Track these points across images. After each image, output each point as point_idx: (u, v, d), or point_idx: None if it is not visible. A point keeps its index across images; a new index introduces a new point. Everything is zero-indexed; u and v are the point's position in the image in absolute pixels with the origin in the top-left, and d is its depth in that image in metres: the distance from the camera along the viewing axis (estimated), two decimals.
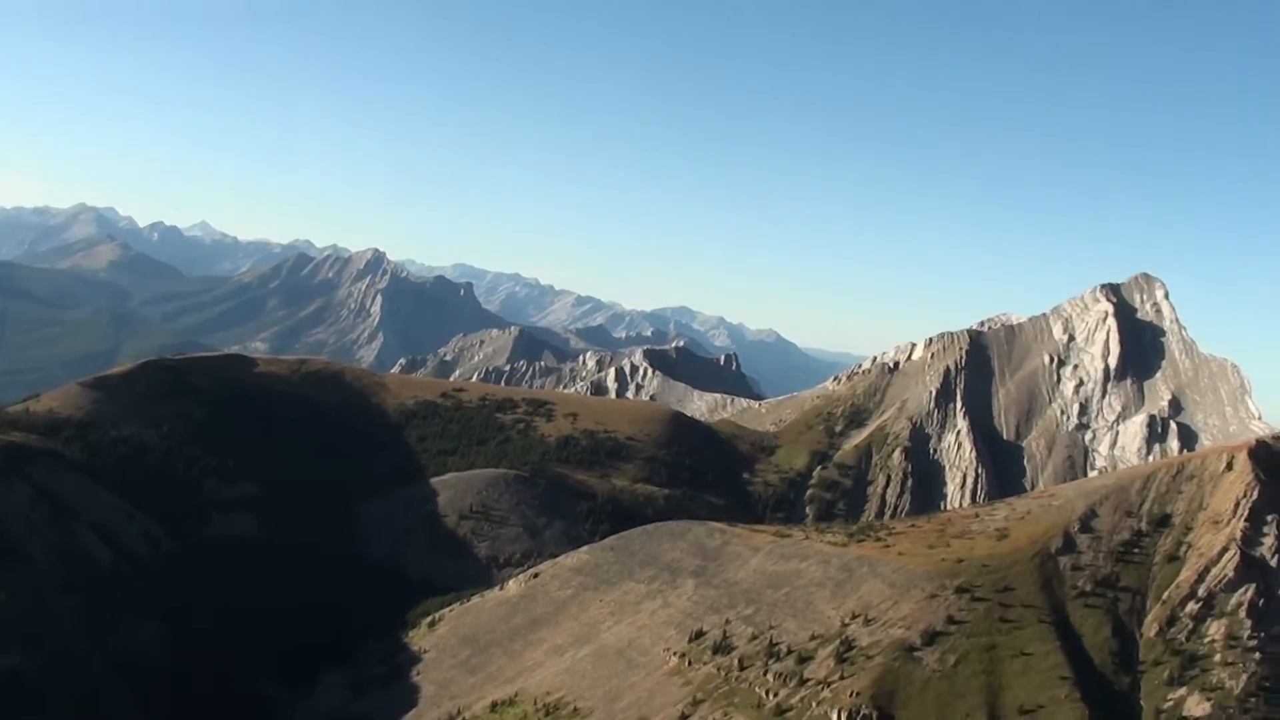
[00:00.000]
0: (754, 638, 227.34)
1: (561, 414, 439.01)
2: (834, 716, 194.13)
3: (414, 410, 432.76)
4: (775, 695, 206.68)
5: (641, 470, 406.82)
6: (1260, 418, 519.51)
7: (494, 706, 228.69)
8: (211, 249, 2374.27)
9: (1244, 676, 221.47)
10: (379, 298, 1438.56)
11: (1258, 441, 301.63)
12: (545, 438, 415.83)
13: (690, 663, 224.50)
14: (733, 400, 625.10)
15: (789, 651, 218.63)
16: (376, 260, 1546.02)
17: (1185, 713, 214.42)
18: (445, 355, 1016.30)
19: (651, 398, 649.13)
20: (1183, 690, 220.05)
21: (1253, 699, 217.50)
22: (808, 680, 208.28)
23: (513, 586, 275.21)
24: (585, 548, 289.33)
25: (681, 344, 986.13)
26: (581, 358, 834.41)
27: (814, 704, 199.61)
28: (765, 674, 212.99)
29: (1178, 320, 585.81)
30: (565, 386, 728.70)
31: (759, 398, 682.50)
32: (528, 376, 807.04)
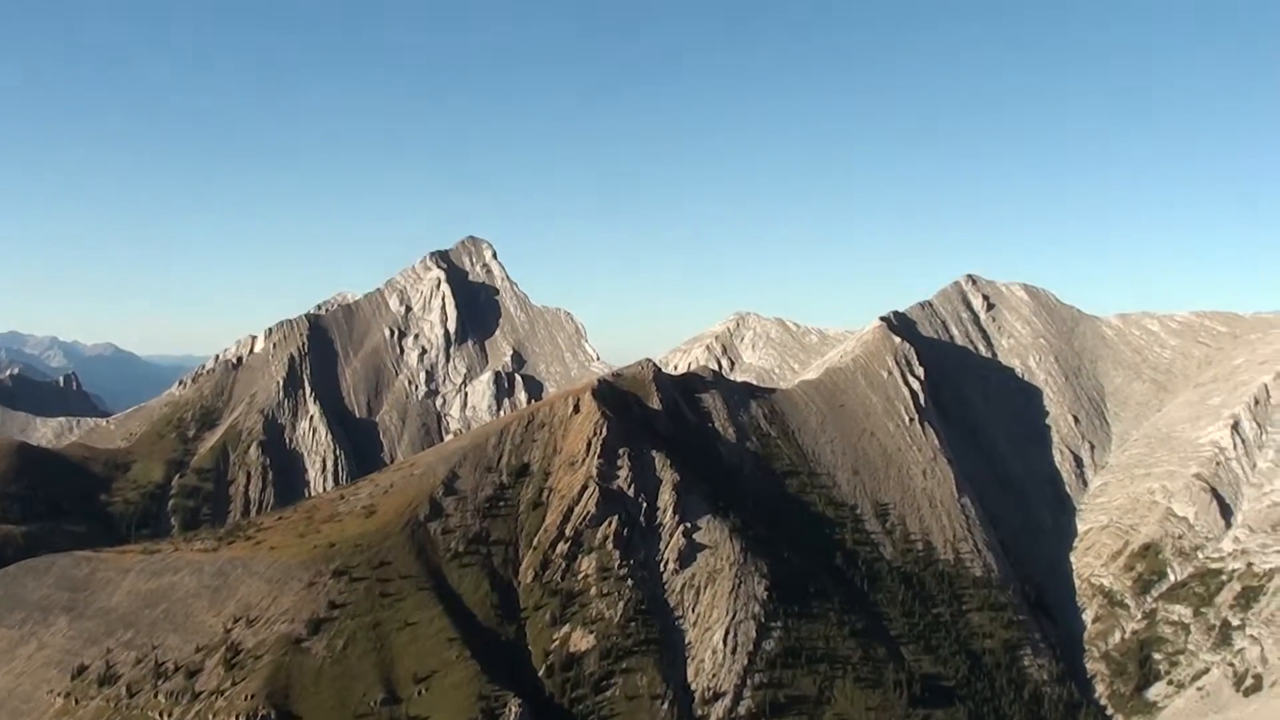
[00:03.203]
0: (139, 661, 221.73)
1: None
2: None
3: None
4: (170, 715, 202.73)
5: None
6: (599, 358, 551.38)
7: None
8: None
9: (621, 604, 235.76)
10: None
11: (600, 382, 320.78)
12: None
13: (77, 700, 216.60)
14: (79, 421, 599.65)
15: (176, 668, 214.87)
16: None
17: (571, 648, 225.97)
18: None
19: None
20: (566, 628, 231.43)
21: (632, 623, 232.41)
22: (200, 693, 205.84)
23: None
24: None
25: (16, 371, 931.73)
26: None
27: (210, 716, 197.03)
28: (156, 696, 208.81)
29: (508, 278, 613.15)
30: None
31: (106, 414, 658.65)
32: None
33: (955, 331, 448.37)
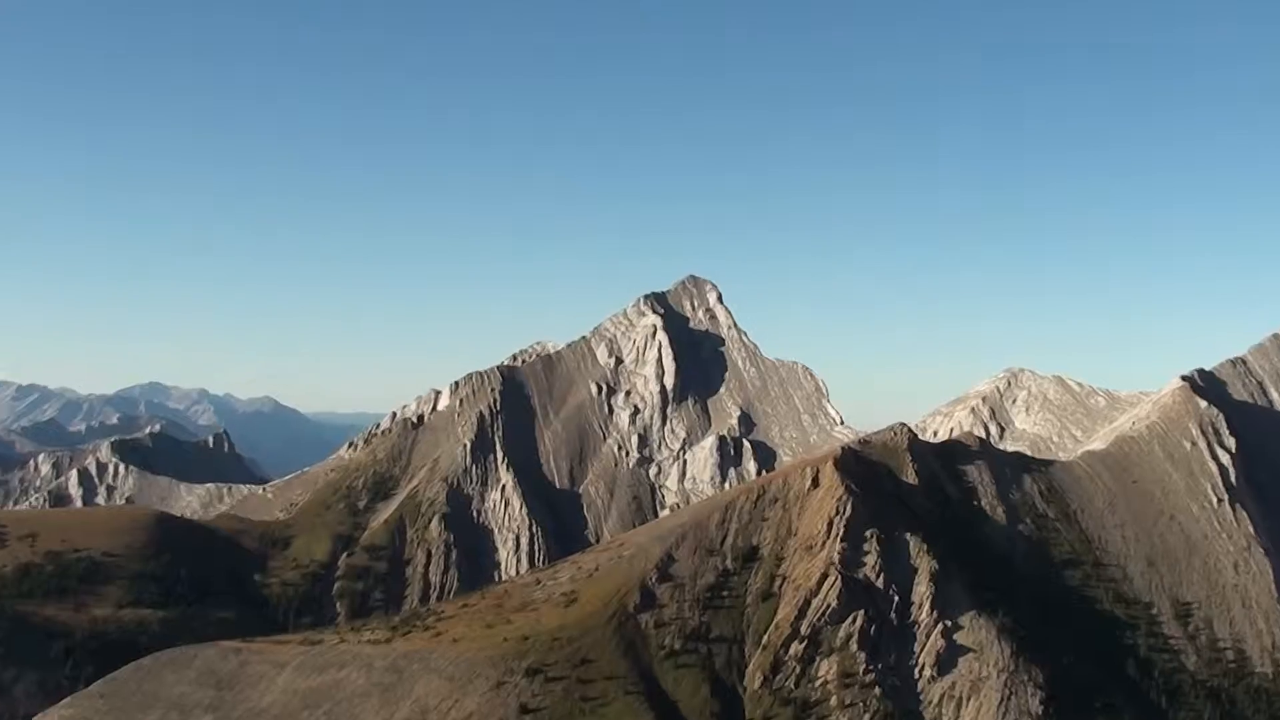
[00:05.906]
0: None
1: (15, 536, 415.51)
2: None
3: None
4: None
5: (127, 592, 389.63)
6: (842, 422, 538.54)
7: None
8: None
9: (867, 716, 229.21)
10: None
11: (843, 450, 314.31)
12: None
13: None
14: (230, 489, 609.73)
15: None
16: None
17: None
18: None
19: (129, 500, 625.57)
20: None
21: None
22: None
23: None
24: (68, 699, 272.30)
25: (158, 428, 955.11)
26: (33, 463, 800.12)
27: None
28: None
29: (736, 325, 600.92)
30: (16, 502, 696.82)
31: (262, 480, 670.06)
32: None
33: (1275, 394, 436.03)
